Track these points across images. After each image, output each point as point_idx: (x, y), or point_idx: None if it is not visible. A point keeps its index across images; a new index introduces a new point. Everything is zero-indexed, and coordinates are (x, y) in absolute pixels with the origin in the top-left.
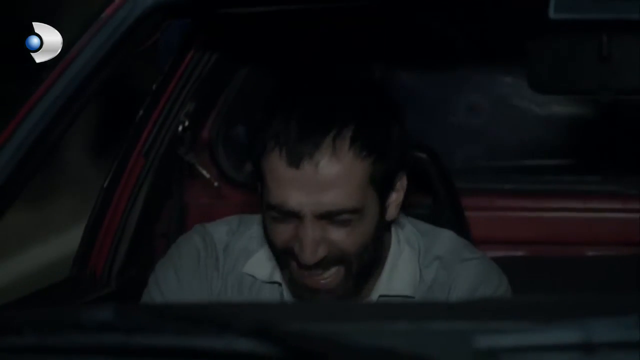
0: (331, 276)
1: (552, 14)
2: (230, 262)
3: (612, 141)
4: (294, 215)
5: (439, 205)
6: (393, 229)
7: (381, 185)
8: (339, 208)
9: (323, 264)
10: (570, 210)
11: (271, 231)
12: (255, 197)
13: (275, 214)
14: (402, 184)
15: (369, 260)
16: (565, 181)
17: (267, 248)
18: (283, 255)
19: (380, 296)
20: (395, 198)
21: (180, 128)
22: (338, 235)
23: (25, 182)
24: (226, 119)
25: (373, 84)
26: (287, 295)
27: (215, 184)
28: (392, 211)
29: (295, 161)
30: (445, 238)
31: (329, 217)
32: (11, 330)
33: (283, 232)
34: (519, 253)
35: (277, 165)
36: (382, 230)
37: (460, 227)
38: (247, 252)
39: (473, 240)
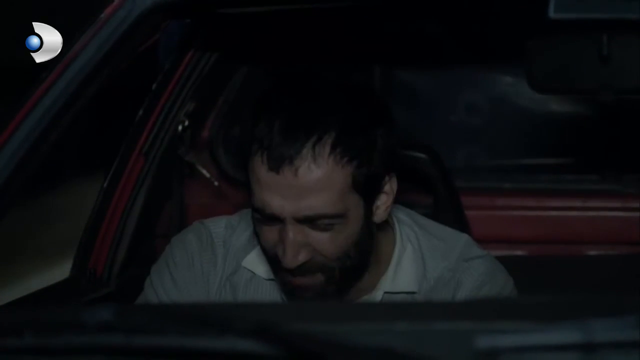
0: (314, 281)
1: (552, 13)
2: (230, 257)
3: (612, 140)
4: (276, 219)
5: (439, 204)
6: (396, 227)
7: (366, 190)
8: (318, 213)
9: (304, 269)
10: (569, 209)
11: (259, 233)
12: None
13: (259, 217)
14: (391, 186)
15: (353, 265)
16: (564, 180)
17: None
18: (271, 257)
19: (386, 293)
20: (385, 200)
21: (180, 128)
22: (320, 239)
23: (25, 182)
24: (226, 119)
25: (361, 87)
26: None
27: (215, 183)
28: (380, 214)
29: (275, 166)
30: (450, 237)
31: (309, 221)
32: (11, 331)
33: (269, 234)
34: (519, 252)
35: (259, 168)
36: (369, 233)
37: (461, 226)
38: (247, 248)
39: (473, 239)
